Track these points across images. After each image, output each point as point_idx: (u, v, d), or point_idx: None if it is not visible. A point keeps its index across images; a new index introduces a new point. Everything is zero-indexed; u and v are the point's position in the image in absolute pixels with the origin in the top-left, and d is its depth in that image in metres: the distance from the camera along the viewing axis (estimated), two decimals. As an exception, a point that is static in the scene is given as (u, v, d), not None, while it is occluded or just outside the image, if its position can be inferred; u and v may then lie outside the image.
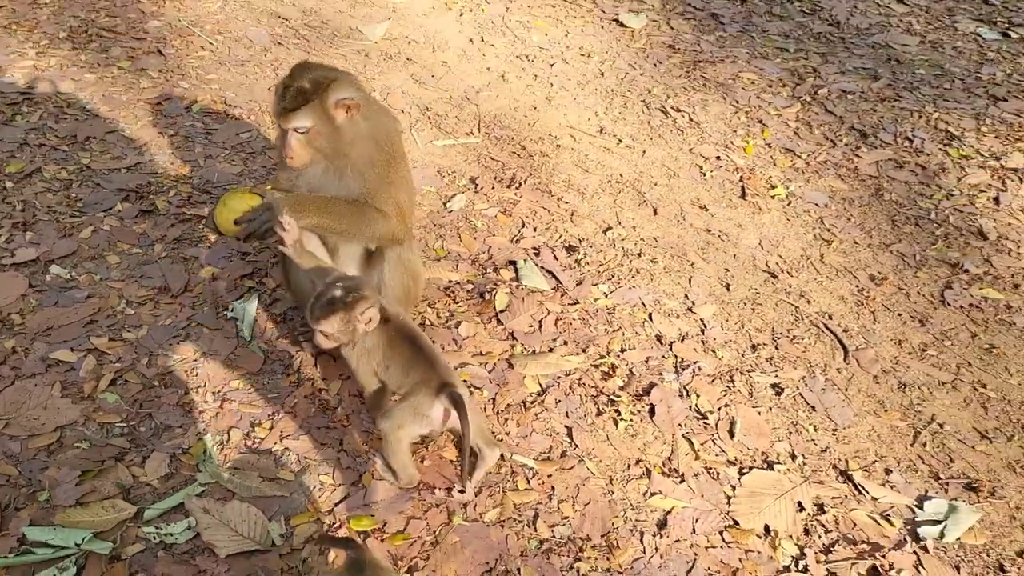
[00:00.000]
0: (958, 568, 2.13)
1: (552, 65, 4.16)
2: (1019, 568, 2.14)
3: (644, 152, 3.61)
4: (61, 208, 2.83)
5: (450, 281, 2.77)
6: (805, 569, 2.07)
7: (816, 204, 3.44)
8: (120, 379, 2.29)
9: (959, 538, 2.19)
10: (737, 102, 4.06)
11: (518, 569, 1.98)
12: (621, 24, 4.63)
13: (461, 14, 4.50)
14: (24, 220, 2.75)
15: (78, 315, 2.45)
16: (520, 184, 3.29)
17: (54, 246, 2.67)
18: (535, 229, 3.07)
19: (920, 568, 2.10)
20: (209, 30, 3.99)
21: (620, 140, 3.66)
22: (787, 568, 2.07)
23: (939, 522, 2.23)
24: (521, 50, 4.26)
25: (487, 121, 3.66)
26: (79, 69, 3.55)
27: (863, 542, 2.15)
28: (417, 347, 2.07)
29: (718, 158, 3.64)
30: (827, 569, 2.08)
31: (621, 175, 3.44)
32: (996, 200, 3.58)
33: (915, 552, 2.14)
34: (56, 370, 2.28)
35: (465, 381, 2.42)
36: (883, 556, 2.11)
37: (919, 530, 2.20)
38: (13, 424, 2.12)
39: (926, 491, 2.33)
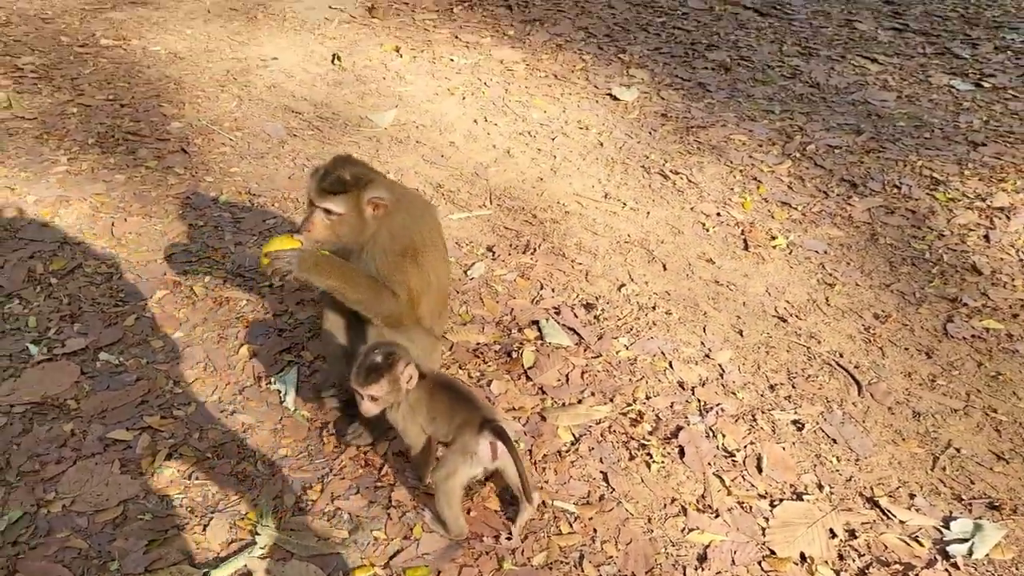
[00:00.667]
0: (989, 582, 2.22)
1: (553, 139, 4.39)
2: (1048, 578, 2.23)
3: (648, 213, 3.80)
4: (104, 299, 2.98)
5: (477, 343, 2.91)
6: (843, 591, 2.15)
7: (816, 251, 3.61)
8: (175, 453, 2.40)
9: (987, 554, 2.28)
10: (731, 162, 4.27)
11: (570, 608, 2.07)
12: (614, 98, 4.88)
13: (463, 98, 4.76)
14: (71, 312, 2.90)
15: (129, 397, 2.58)
16: (535, 249, 3.46)
17: (101, 335, 2.81)
18: (553, 290, 3.23)
19: (953, 583, 2.19)
20: (228, 127, 4.22)
21: (624, 204, 3.85)
22: (826, 591, 2.16)
23: (966, 540, 2.32)
24: (523, 127, 4.49)
25: (497, 194, 3.86)
26: (109, 171, 3.75)
27: (896, 563, 2.24)
28: (456, 392, 2.20)
29: (719, 214, 3.83)
30: (864, 590, 2.16)
31: (629, 236, 3.62)
32: (986, 237, 3.76)
33: (946, 570, 2.23)
34: (114, 449, 2.40)
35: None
36: (921, 572, 2.20)
37: (948, 549, 2.29)
38: (79, 501, 2.23)
39: (951, 512, 2.43)
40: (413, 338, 2.48)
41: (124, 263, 3.19)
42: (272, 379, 2.70)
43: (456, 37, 5.58)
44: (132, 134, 4.08)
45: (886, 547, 2.29)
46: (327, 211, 2.29)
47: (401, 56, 5.23)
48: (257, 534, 2.19)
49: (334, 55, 5.17)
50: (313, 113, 4.49)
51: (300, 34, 5.47)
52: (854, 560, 2.25)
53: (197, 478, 2.35)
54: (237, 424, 2.53)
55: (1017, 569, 2.26)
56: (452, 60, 5.24)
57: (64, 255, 3.19)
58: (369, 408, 2.20)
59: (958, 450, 2.65)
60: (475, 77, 5.06)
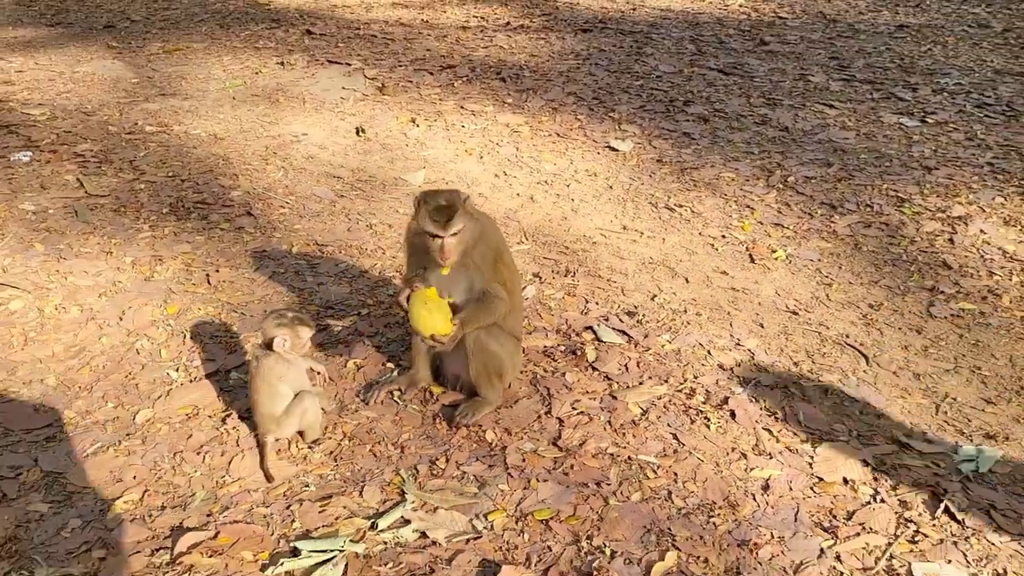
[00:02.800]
0: (995, 489, 2.77)
1: (568, 186, 5.00)
2: (1040, 483, 2.79)
3: (664, 239, 4.40)
4: (219, 333, 3.46)
5: (545, 347, 3.44)
6: (883, 500, 2.69)
7: (811, 260, 4.23)
8: (312, 446, 2.87)
9: (990, 469, 2.84)
10: (725, 195, 4.92)
11: (669, 528, 2.57)
12: (613, 149, 5.54)
13: (481, 157, 5.38)
14: (196, 345, 3.38)
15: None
16: (574, 273, 4.03)
17: (227, 359, 3.29)
18: (597, 303, 3.79)
19: (968, 490, 2.74)
20: (282, 193, 4.76)
21: (642, 233, 4.46)
22: (869, 502, 2.69)
23: (972, 460, 2.87)
24: (539, 177, 5.11)
25: (530, 232, 4.43)
26: (189, 234, 4.26)
27: (920, 479, 2.78)
28: None
29: (724, 236, 4.45)
30: (898, 499, 2.70)
31: (651, 258, 4.21)
32: (951, 240, 4.42)
33: (961, 481, 2.78)
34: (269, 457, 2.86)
35: (581, 413, 3.06)
36: (938, 486, 2.74)
37: (959, 467, 2.84)
38: (250, 481, 2.69)
39: (956, 442, 2.99)
40: (503, 342, 3.01)
41: (226, 304, 3.68)
42: (379, 380, 3.18)
43: (462, 107, 6.23)
44: (199, 203, 4.60)
45: (910, 469, 2.84)
46: (454, 234, 2.80)
47: (417, 126, 5.85)
48: (404, 495, 2.66)
49: (358, 128, 5.78)
50: (352, 177, 5.06)
51: (321, 112, 6.08)
52: (887, 479, 2.78)
53: (341, 459, 2.82)
54: (363, 419, 3.01)
55: (1014, 478, 2.82)
56: (463, 127, 5.87)
57: (174, 302, 3.67)
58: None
59: (955, 399, 3.23)
60: (487, 139, 5.69)
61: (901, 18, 9.55)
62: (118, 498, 2.59)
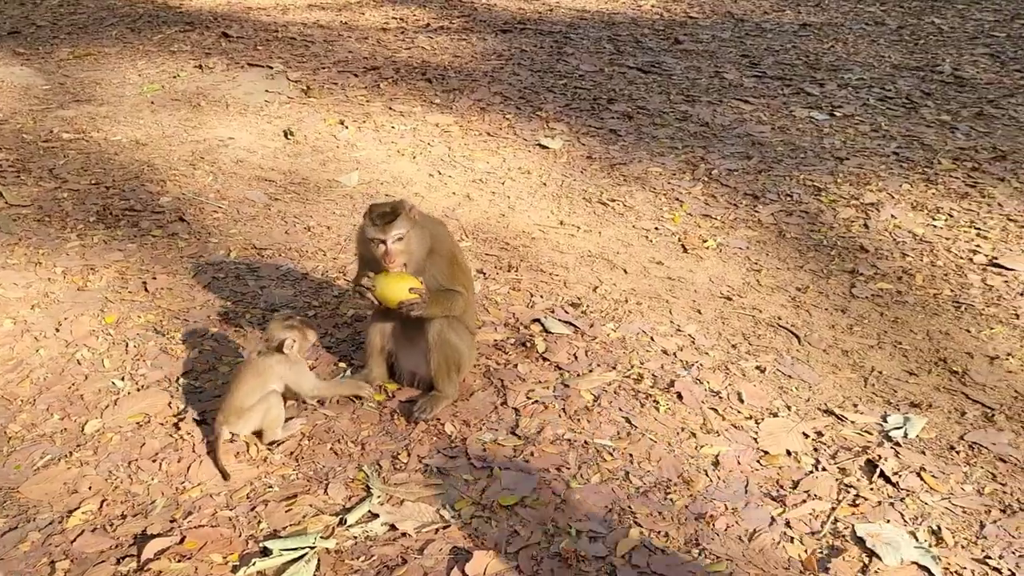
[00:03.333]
0: (923, 452, 2.97)
1: (503, 184, 5.09)
2: (964, 446, 3.01)
3: (600, 233, 4.53)
4: (163, 341, 3.41)
5: (495, 340, 3.51)
6: (824, 469, 2.86)
7: (740, 248, 4.42)
8: (270, 447, 2.87)
9: (917, 435, 3.04)
10: (654, 189, 5.09)
11: (630, 507, 2.67)
12: (543, 147, 5.65)
13: (414, 157, 5.41)
14: (139, 353, 3.32)
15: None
16: (517, 268, 4.11)
17: (173, 367, 3.25)
18: (541, 296, 3.88)
19: (899, 455, 2.93)
20: (213, 197, 4.70)
21: (579, 228, 4.57)
22: (811, 471, 2.85)
23: (900, 428, 3.08)
24: (473, 176, 5.18)
25: (470, 230, 4.50)
26: (120, 242, 4.17)
27: (856, 447, 2.97)
28: None
29: (656, 228, 4.60)
30: (838, 467, 2.87)
31: (590, 251, 4.33)
32: (865, 226, 4.68)
33: (892, 448, 2.98)
34: (223, 445, 2.84)
35: (536, 402, 3.15)
36: (872, 452, 2.93)
37: (890, 434, 3.04)
38: (211, 485, 2.67)
39: (885, 413, 3.19)
40: (462, 335, 3.07)
41: (167, 312, 3.63)
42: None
43: (390, 108, 6.25)
44: (128, 210, 4.50)
45: (846, 439, 3.02)
46: (398, 238, 2.85)
47: (347, 128, 5.84)
48: (369, 490, 2.69)
49: (286, 131, 5.74)
50: (285, 180, 5.03)
51: (246, 116, 6.00)
52: (826, 449, 2.96)
53: (302, 459, 2.83)
54: (320, 418, 3.02)
55: (940, 442, 3.03)
56: (393, 127, 5.89)
57: (111, 311, 3.59)
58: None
59: (880, 372, 3.44)
60: (418, 140, 5.73)
61: (803, 17, 9.97)
62: (75, 509, 2.55)
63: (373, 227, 2.82)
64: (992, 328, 3.73)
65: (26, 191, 4.64)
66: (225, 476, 2.67)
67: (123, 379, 3.16)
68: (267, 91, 6.45)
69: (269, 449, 2.85)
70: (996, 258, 4.28)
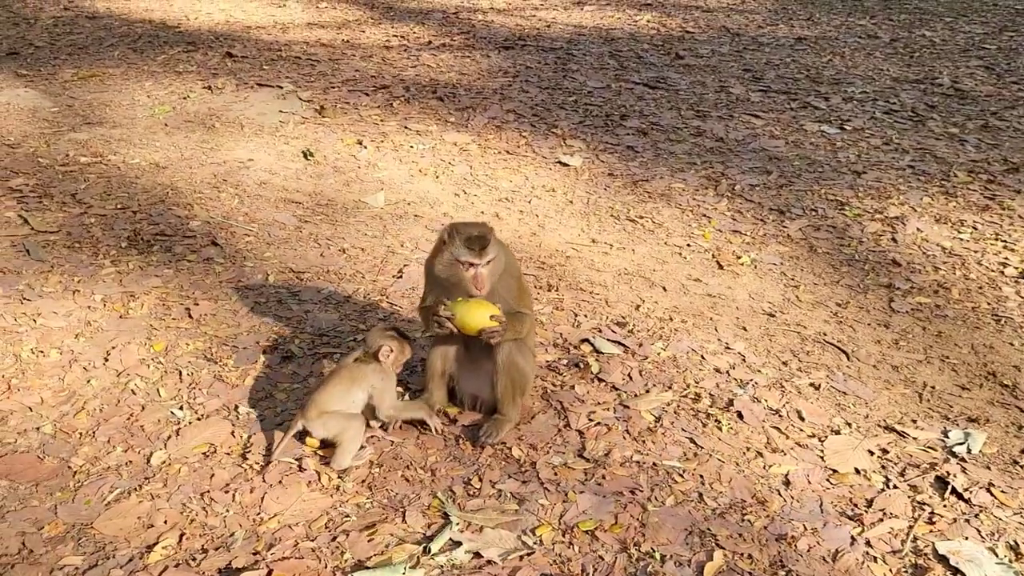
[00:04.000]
0: (989, 467, 3.00)
1: (529, 202, 5.09)
2: (1025, 459, 3.04)
3: (634, 251, 4.54)
4: (216, 368, 3.37)
5: (548, 361, 3.51)
6: (895, 486, 2.87)
7: (774, 264, 4.45)
8: (343, 474, 2.85)
9: (980, 450, 3.07)
10: (680, 205, 5.11)
11: (709, 529, 2.67)
12: (564, 164, 5.67)
13: (437, 176, 5.41)
14: (193, 381, 3.28)
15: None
16: (556, 287, 4.11)
17: (230, 395, 3.21)
18: (585, 316, 3.88)
19: (966, 471, 2.96)
20: (243, 220, 4.66)
21: (611, 245, 4.59)
22: (883, 489, 2.87)
23: (963, 443, 3.10)
24: (499, 195, 5.18)
25: (504, 250, 4.49)
26: (155, 267, 4.12)
27: (923, 463, 2.99)
28: None
29: (688, 245, 4.62)
30: (908, 484, 2.89)
31: (626, 269, 4.34)
32: (894, 239, 4.74)
33: (959, 463, 3.00)
34: (292, 474, 2.81)
35: (599, 424, 3.15)
36: (940, 469, 2.95)
37: (953, 450, 3.06)
38: (288, 516, 2.64)
39: (944, 428, 3.21)
40: (527, 358, 3.07)
41: (214, 338, 3.59)
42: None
43: (406, 127, 6.24)
44: (159, 235, 4.45)
45: (911, 455, 3.04)
46: (489, 262, 2.84)
47: (365, 148, 5.83)
48: (448, 516, 2.67)
49: (305, 152, 5.71)
50: (311, 202, 5.00)
51: (262, 137, 5.97)
52: (894, 466, 2.98)
53: (375, 487, 2.80)
54: (386, 444, 3.00)
55: (1003, 456, 3.06)
56: (412, 147, 5.88)
57: (158, 339, 3.55)
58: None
59: (933, 387, 3.47)
60: (438, 159, 5.72)
61: (797, 31, 10.10)
62: (155, 544, 2.50)
63: (468, 251, 2.80)
64: (1034, 340, 3.78)
65: (51, 217, 4.57)
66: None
67: (182, 408, 3.11)
68: (280, 111, 6.42)
69: (340, 478, 2.81)
70: (1027, 270, 4.34)
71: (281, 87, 6.93)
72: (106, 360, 3.37)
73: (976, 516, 2.76)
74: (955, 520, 2.74)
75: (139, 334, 3.56)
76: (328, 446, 2.87)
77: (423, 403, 3.11)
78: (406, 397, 3.26)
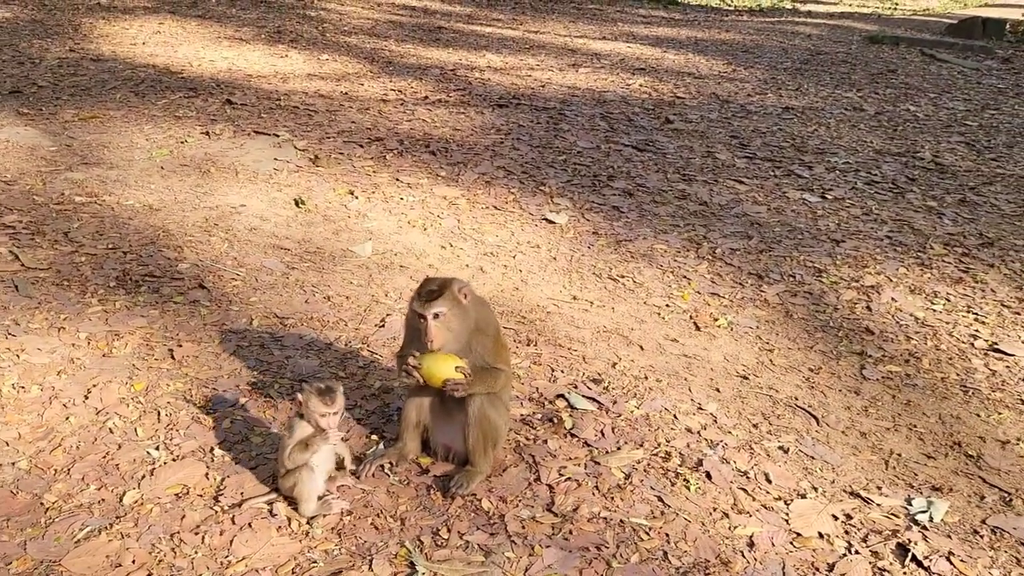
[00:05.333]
0: (950, 536, 3.05)
1: (514, 257, 5.19)
2: (987, 530, 3.10)
3: (613, 308, 4.63)
4: (194, 410, 3.42)
5: (522, 415, 3.57)
6: (857, 552, 2.92)
7: (750, 327, 4.54)
8: (312, 520, 2.88)
9: (942, 519, 3.13)
10: (661, 266, 5.22)
11: (671, 587, 2.71)
12: (550, 221, 5.79)
13: (425, 228, 5.51)
14: (171, 422, 3.32)
15: (259, 476, 3.03)
16: (535, 342, 4.18)
17: (207, 437, 3.26)
18: (562, 371, 3.95)
19: (927, 539, 3.01)
20: (231, 265, 4.74)
21: (592, 303, 4.68)
22: (844, 554, 2.91)
23: (925, 511, 3.16)
24: (485, 249, 5.28)
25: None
26: (142, 308, 4.18)
27: (885, 530, 3.04)
28: None
29: (667, 306, 4.72)
30: (870, 550, 2.94)
31: (605, 327, 4.42)
32: (868, 308, 4.84)
33: (920, 531, 3.06)
34: (262, 518, 2.85)
35: (569, 479, 3.19)
36: (901, 536, 3.01)
37: (916, 517, 3.12)
38: (256, 559, 2.67)
39: (908, 496, 3.27)
40: (500, 411, 3.13)
41: (195, 380, 3.64)
42: (367, 454, 3.22)
43: (397, 179, 6.37)
44: (147, 276, 4.52)
45: (874, 522, 3.09)
46: (436, 315, 2.92)
47: (356, 198, 5.94)
48: (414, 567, 2.70)
49: (296, 200, 5.82)
50: (299, 249, 5.09)
51: (256, 184, 6.09)
52: (856, 531, 3.03)
53: (343, 534, 2.83)
54: (357, 492, 3.04)
55: (964, 526, 3.12)
56: (402, 199, 6.01)
57: (139, 378, 3.60)
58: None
59: (899, 455, 3.54)
60: (427, 211, 5.84)
61: (785, 100, 10.37)
62: (122, 584, 2.52)
63: (418, 301, 2.90)
64: (1000, 413, 3.86)
65: (42, 254, 4.64)
66: None
67: (157, 448, 3.15)
68: (275, 159, 6.55)
69: (309, 524, 2.84)
70: (996, 343, 4.44)
71: (278, 135, 7.07)
72: (86, 398, 3.42)
73: (935, 584, 2.80)
74: (914, 587, 2.78)
75: (121, 373, 3.60)
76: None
77: (397, 450, 3.16)
78: (380, 446, 3.31)
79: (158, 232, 5.08)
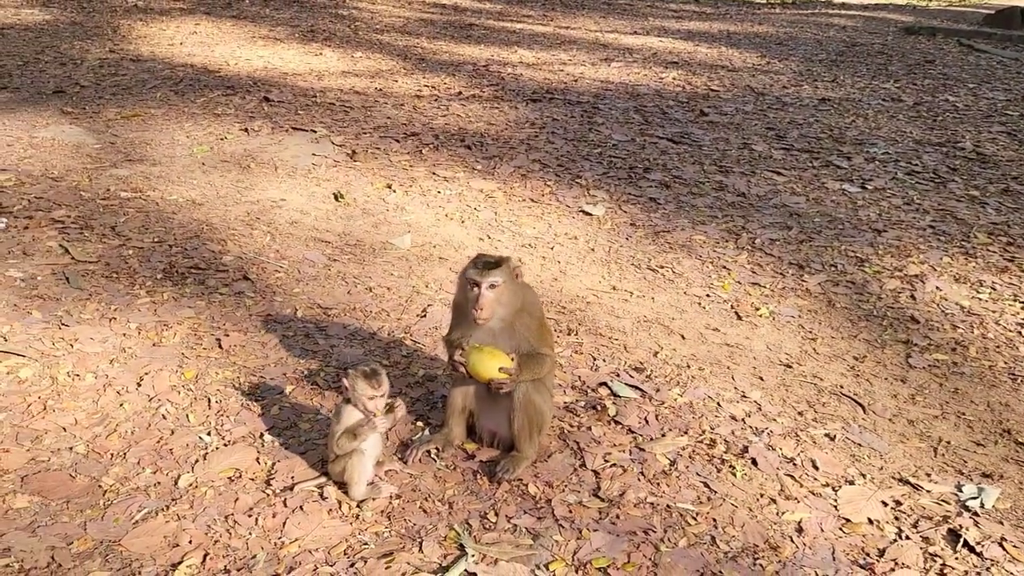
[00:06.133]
0: (1001, 522, 3.02)
1: (552, 248, 5.21)
2: (1039, 516, 3.06)
3: (653, 299, 4.63)
4: (243, 397, 3.47)
5: (565, 403, 3.58)
6: (908, 537, 2.90)
7: (792, 316, 4.52)
8: (362, 504, 2.92)
9: (993, 505, 3.09)
10: (700, 257, 5.21)
11: (721, 571, 2.71)
12: (587, 213, 5.79)
13: (463, 221, 5.54)
14: (221, 408, 3.38)
15: (309, 461, 3.08)
16: (576, 332, 4.19)
17: (256, 423, 3.31)
18: (604, 360, 3.95)
19: (978, 524, 2.98)
20: (274, 257, 4.80)
21: (631, 293, 4.67)
22: (895, 540, 2.89)
23: (976, 498, 3.12)
24: (522, 241, 5.30)
25: (526, 294, 4.58)
26: (189, 299, 4.25)
27: (936, 516, 3.01)
28: None
29: (708, 296, 4.70)
30: (921, 535, 2.91)
31: (645, 316, 4.42)
32: (912, 297, 4.79)
33: (971, 517, 3.02)
34: (312, 501, 2.89)
35: (614, 465, 3.20)
36: (952, 522, 2.98)
37: (967, 504, 3.09)
38: (309, 541, 2.71)
39: (958, 482, 3.24)
40: (545, 397, 3.15)
41: (243, 368, 3.69)
42: (413, 440, 3.26)
43: (434, 173, 6.41)
44: (193, 268, 4.60)
45: (924, 508, 3.07)
46: (492, 285, 2.95)
47: (394, 191, 5.99)
48: (464, 548, 2.72)
49: (335, 193, 5.87)
50: (340, 242, 5.14)
51: (295, 178, 6.15)
52: (907, 517, 3.00)
53: (393, 517, 2.87)
54: (406, 477, 3.07)
55: (1015, 512, 3.08)
56: (439, 192, 6.04)
57: (189, 367, 3.66)
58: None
59: (948, 443, 3.50)
60: (464, 204, 5.87)
61: (821, 92, 10.27)
62: (180, 563, 2.58)
63: (474, 269, 2.92)
64: (1050, 400, 3.80)
65: (91, 247, 4.73)
66: None
67: (209, 434, 3.21)
68: (313, 154, 6.61)
69: (359, 507, 2.88)
70: (1044, 331, 4.37)
71: (315, 131, 7.14)
72: (139, 385, 3.48)
73: (988, 570, 2.77)
74: (967, 573, 2.76)
75: (171, 362, 3.67)
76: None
77: (443, 436, 3.19)
78: (425, 432, 3.34)
79: (202, 226, 5.16)
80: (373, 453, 2.96)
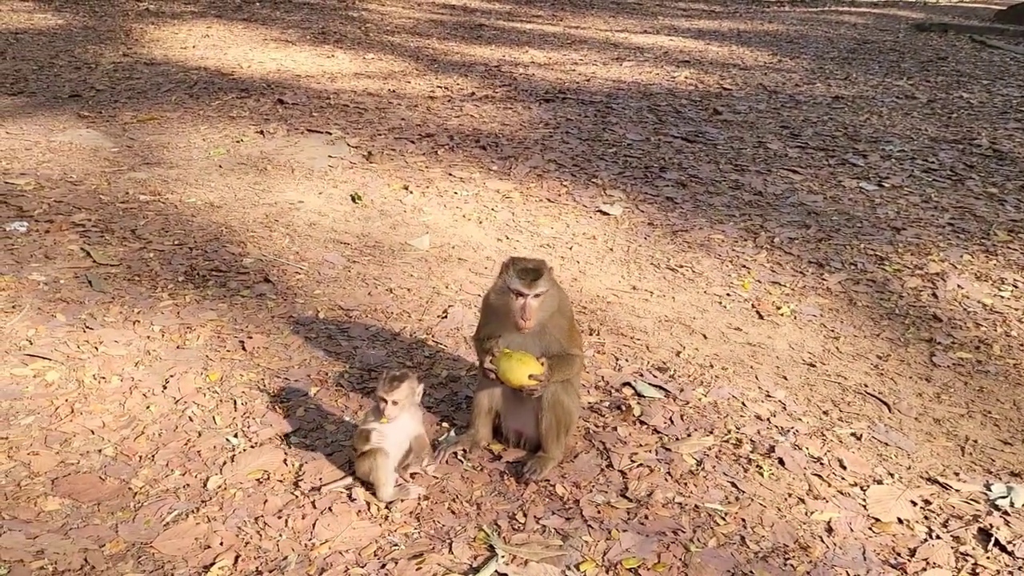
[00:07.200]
0: (1032, 521, 3.00)
1: (571, 248, 5.20)
2: (1069, 515, 3.04)
3: (674, 298, 4.62)
4: (268, 398, 3.48)
5: (589, 403, 3.58)
6: (938, 537, 2.88)
7: (814, 315, 4.50)
8: (390, 505, 2.92)
9: (1023, 504, 3.08)
10: (719, 256, 5.19)
11: (751, 572, 2.70)
12: (605, 213, 5.78)
13: (480, 222, 5.54)
14: (247, 411, 3.39)
15: (336, 461, 3.08)
16: (598, 332, 4.19)
17: (282, 425, 3.31)
18: (627, 360, 3.95)
19: (1009, 524, 2.96)
20: (293, 259, 4.81)
21: (652, 293, 4.67)
22: (926, 539, 2.88)
23: (1005, 497, 3.11)
24: (541, 241, 5.30)
25: (546, 294, 4.58)
26: (211, 301, 4.26)
27: (966, 515, 3.00)
28: None
29: (728, 295, 4.69)
30: (951, 535, 2.90)
31: (666, 316, 4.41)
32: (934, 295, 4.77)
33: (1001, 516, 3.01)
34: (341, 502, 2.89)
35: (641, 465, 3.20)
36: (983, 521, 2.96)
37: (996, 503, 3.07)
38: (339, 542, 2.71)
39: (987, 481, 3.22)
40: (573, 398, 3.15)
41: (267, 370, 3.70)
42: (439, 441, 3.26)
43: (450, 174, 6.41)
44: (214, 270, 4.61)
45: (954, 507, 3.05)
46: (537, 295, 2.94)
47: (411, 193, 5.99)
48: (494, 548, 2.72)
49: (353, 195, 5.89)
50: (359, 243, 5.15)
51: (312, 180, 6.17)
52: (936, 517, 2.99)
53: (422, 519, 2.87)
54: (431, 479, 3.07)
55: (1046, 512, 3.06)
56: (456, 193, 6.04)
57: (214, 369, 3.67)
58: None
59: (976, 442, 3.48)
60: (481, 205, 5.87)
61: (835, 90, 10.24)
62: (212, 564, 2.59)
63: (519, 281, 2.90)
64: (1077, 398, 3.78)
65: (112, 250, 4.75)
66: None
67: (236, 436, 3.22)
68: (329, 156, 6.63)
69: (388, 508, 2.89)
70: (1069, 329, 4.35)
71: (330, 133, 7.15)
72: (164, 387, 3.50)
73: (1020, 569, 2.76)
74: (998, 572, 2.74)
75: (195, 364, 3.68)
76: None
77: (470, 437, 3.19)
78: (451, 433, 3.34)
79: (221, 228, 5.18)
80: (397, 455, 2.96)
